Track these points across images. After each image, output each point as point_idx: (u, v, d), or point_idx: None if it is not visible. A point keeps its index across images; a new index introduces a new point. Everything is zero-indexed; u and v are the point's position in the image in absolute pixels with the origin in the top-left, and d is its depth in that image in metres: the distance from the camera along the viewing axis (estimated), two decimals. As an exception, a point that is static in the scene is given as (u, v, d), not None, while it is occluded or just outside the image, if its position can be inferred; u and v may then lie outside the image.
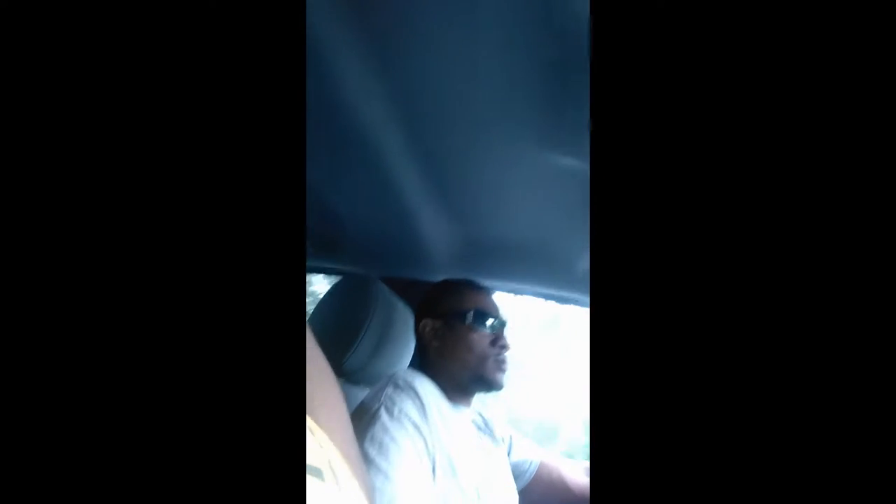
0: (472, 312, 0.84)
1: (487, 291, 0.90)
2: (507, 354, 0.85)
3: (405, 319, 0.95)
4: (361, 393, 0.80)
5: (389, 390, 0.72)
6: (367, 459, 0.62)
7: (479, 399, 0.88)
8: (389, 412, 0.68)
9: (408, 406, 0.69)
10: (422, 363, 0.86)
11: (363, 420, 0.68)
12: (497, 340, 0.84)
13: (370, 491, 0.32)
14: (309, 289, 1.58)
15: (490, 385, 0.83)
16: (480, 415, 0.93)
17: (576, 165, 0.67)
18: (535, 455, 0.97)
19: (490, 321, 0.85)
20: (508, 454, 0.93)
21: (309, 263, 1.10)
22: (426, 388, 0.74)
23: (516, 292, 1.15)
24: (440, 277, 0.98)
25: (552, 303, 1.17)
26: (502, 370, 0.83)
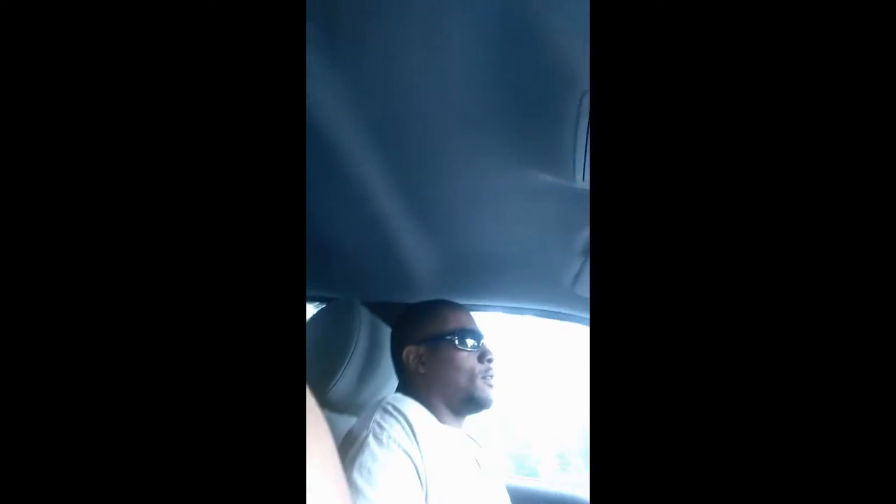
0: (456, 332, 0.83)
1: (464, 309, 0.90)
2: (494, 367, 0.84)
3: (390, 344, 0.94)
4: (348, 422, 0.78)
5: (377, 416, 0.70)
6: (355, 488, 0.60)
7: (469, 419, 0.87)
8: (378, 439, 0.67)
9: (397, 431, 0.68)
10: (408, 391, 0.85)
11: (352, 449, 0.66)
12: (484, 355, 0.84)
13: None
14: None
15: (481, 404, 0.82)
16: (470, 437, 0.92)
17: (554, 181, 0.68)
18: None
19: (473, 338, 0.84)
20: None
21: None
22: (415, 411, 0.73)
23: (501, 310, 1.14)
24: (424, 299, 0.97)
25: (536, 318, 1.17)
26: (490, 386, 0.83)
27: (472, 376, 0.81)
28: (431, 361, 0.83)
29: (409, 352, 0.84)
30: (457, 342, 0.83)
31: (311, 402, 0.32)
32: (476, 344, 0.84)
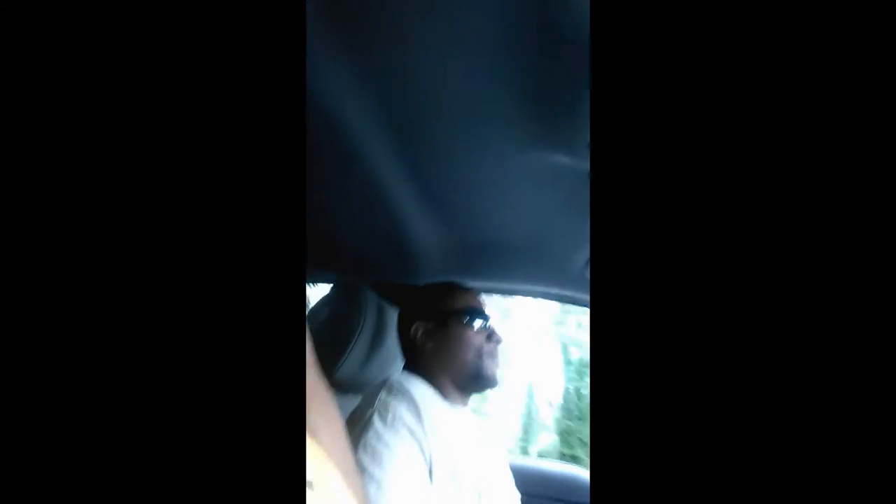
0: (466, 311, 0.85)
1: (473, 291, 0.91)
2: (500, 349, 0.86)
3: (396, 326, 0.95)
4: (354, 402, 0.79)
5: (383, 395, 0.71)
6: (360, 467, 0.61)
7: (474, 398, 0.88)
8: (383, 418, 0.68)
9: (402, 410, 0.69)
10: (415, 367, 0.86)
11: (356, 427, 0.67)
12: (492, 335, 0.85)
13: (365, 500, 0.32)
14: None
15: (487, 382, 0.83)
16: (475, 415, 0.93)
17: (566, 164, 0.67)
18: None
19: (481, 319, 0.86)
20: None
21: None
22: (421, 390, 0.74)
23: (508, 293, 1.15)
24: (433, 281, 0.98)
25: (543, 301, 1.17)
26: (497, 365, 0.84)
27: (479, 354, 0.83)
28: (440, 337, 0.84)
29: (418, 327, 0.86)
30: (466, 320, 0.84)
31: (321, 385, 0.32)
32: (484, 325, 0.86)
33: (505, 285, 1.11)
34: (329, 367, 0.86)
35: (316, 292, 1.10)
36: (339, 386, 0.90)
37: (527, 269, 1.03)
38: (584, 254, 0.92)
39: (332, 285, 1.05)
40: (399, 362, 0.96)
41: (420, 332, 0.85)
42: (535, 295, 1.15)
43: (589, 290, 1.04)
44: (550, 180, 0.71)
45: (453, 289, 0.90)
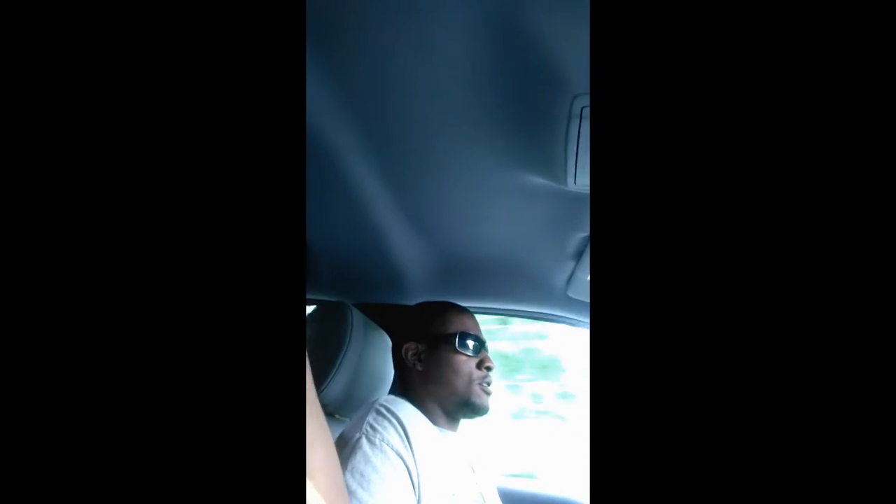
0: (458, 335, 0.83)
1: (468, 313, 0.89)
2: (492, 376, 0.84)
3: (382, 346, 0.93)
4: (339, 425, 0.77)
5: (371, 418, 0.70)
6: (348, 491, 0.60)
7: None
8: (371, 441, 0.66)
9: (390, 434, 0.67)
10: (404, 389, 0.84)
11: (344, 451, 0.66)
12: (483, 362, 0.83)
13: None
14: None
15: (476, 410, 0.81)
16: (464, 439, 0.91)
17: (550, 184, 0.68)
18: None
19: (473, 343, 0.84)
20: None
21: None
22: (409, 414, 0.72)
23: (493, 312, 1.14)
24: (416, 301, 0.97)
25: (530, 321, 1.17)
26: (488, 393, 0.82)
27: (469, 381, 0.81)
28: (429, 360, 0.82)
29: (409, 348, 0.84)
30: (457, 344, 0.82)
31: (313, 408, 0.32)
32: (476, 349, 0.84)
33: (489, 305, 1.11)
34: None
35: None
36: (324, 408, 0.88)
37: (510, 289, 1.03)
38: (566, 272, 0.93)
39: (315, 305, 1.03)
40: (386, 385, 0.94)
41: (410, 353, 0.84)
42: (518, 315, 1.15)
43: (571, 308, 1.04)
44: (532, 200, 0.72)
45: (448, 310, 0.88)
